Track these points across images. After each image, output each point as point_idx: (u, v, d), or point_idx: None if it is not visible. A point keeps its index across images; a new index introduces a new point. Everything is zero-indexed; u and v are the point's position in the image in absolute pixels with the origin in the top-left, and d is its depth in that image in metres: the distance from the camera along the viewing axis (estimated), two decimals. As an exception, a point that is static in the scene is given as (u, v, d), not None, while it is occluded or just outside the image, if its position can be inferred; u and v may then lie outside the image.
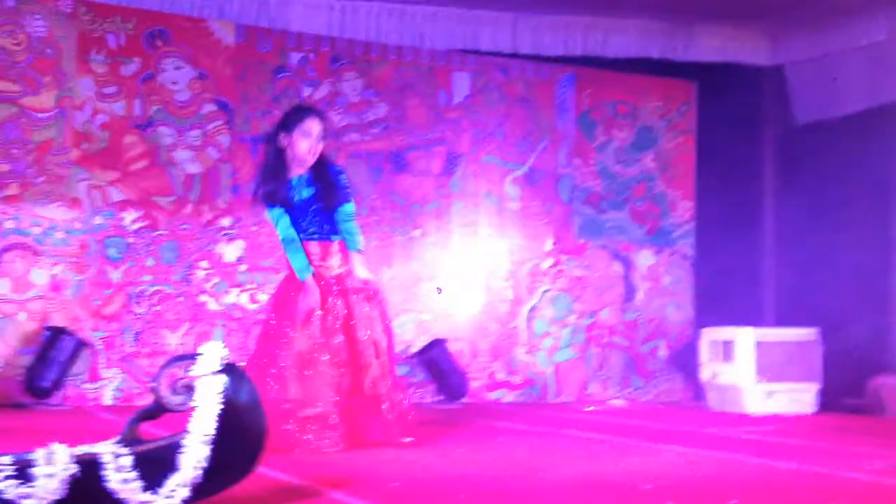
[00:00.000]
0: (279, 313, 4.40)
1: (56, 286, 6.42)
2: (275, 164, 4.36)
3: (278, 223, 4.39)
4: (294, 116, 4.41)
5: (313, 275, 4.37)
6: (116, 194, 6.60)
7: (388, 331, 4.51)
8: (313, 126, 4.36)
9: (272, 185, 4.35)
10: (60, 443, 2.47)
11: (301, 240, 4.39)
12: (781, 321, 7.82)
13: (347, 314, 4.37)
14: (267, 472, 3.16)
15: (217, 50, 6.92)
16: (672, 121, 8.29)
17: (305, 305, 4.29)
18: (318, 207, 4.41)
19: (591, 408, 7.09)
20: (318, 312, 4.31)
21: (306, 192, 4.41)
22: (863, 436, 5.33)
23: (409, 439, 4.38)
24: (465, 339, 7.48)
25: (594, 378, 7.86)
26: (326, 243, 4.44)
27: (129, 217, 6.61)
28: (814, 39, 8.12)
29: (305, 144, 4.35)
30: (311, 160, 4.38)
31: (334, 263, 4.44)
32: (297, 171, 4.42)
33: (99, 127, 6.58)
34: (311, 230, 4.42)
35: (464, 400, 7.13)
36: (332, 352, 4.29)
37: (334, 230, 4.45)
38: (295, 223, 4.39)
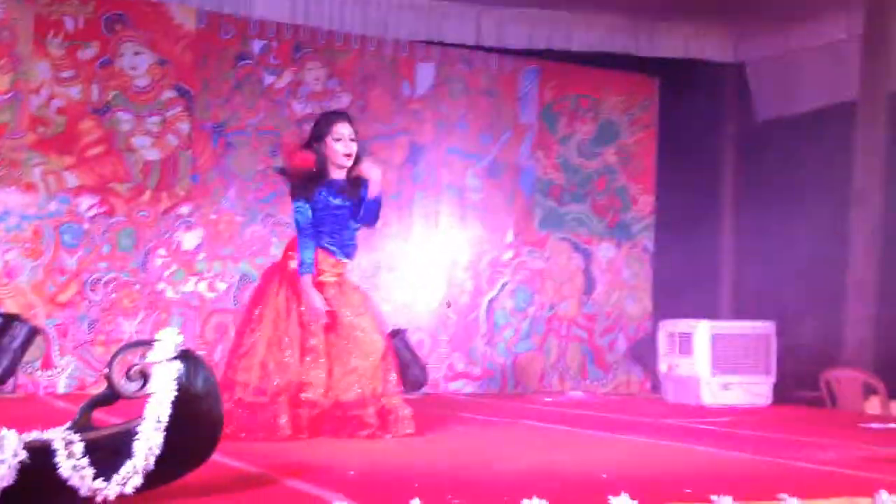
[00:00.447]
0: (259, 304, 4.40)
1: (9, 272, 6.32)
2: (317, 169, 4.43)
3: (300, 213, 4.40)
4: (325, 123, 4.48)
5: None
6: (72, 180, 6.51)
7: (382, 334, 4.54)
8: (343, 129, 4.43)
9: (305, 182, 4.41)
10: (11, 430, 2.43)
11: (313, 243, 4.41)
12: (738, 314, 7.91)
13: (332, 319, 4.38)
14: (222, 459, 3.14)
15: (178, 35, 6.84)
16: (634, 115, 8.34)
17: (314, 313, 4.33)
18: (342, 221, 4.45)
19: (550, 399, 7.12)
20: (325, 320, 4.34)
21: (337, 200, 4.43)
22: (815, 427, 5.41)
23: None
24: (424, 329, 7.48)
25: (553, 370, 7.89)
26: (337, 261, 4.49)
27: (86, 203, 6.52)
28: (775, 38, 8.21)
29: (341, 147, 4.41)
30: (347, 163, 4.43)
31: (330, 278, 4.48)
32: (335, 175, 4.46)
33: (55, 111, 6.49)
34: (327, 239, 4.46)
35: (423, 391, 7.12)
36: (305, 350, 4.31)
37: (348, 251, 4.51)
38: (316, 223, 4.42)
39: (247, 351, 4.30)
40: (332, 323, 4.38)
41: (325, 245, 4.45)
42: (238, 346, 4.37)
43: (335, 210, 4.43)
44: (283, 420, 4.18)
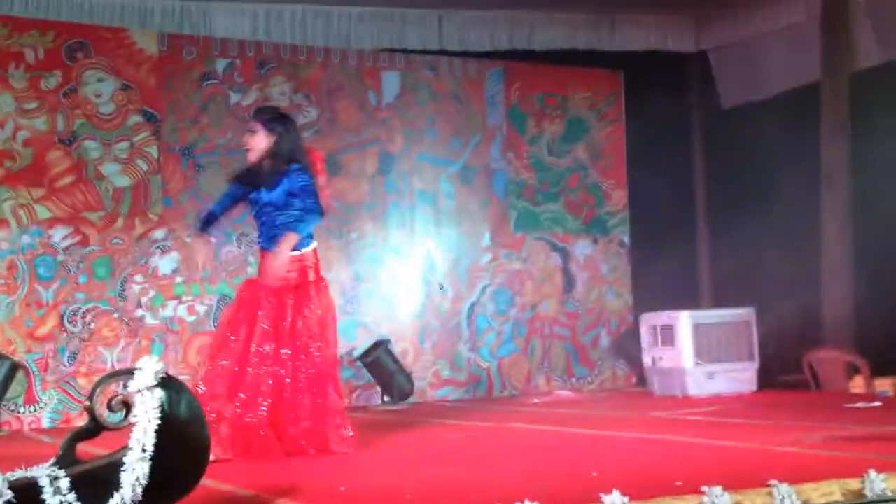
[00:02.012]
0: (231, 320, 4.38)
1: (-14, 309, 6.26)
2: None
3: None
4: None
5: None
6: (44, 211, 6.45)
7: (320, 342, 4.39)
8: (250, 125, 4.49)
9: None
10: (-5, 469, 2.40)
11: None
12: (718, 303, 7.95)
13: (277, 321, 4.31)
14: (211, 483, 3.12)
15: (140, 60, 6.81)
16: (601, 111, 8.37)
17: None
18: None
19: (537, 400, 7.13)
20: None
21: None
22: (800, 410, 5.45)
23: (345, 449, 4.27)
24: (407, 338, 7.47)
25: (538, 370, 7.90)
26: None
27: (59, 234, 6.47)
28: (735, 24, 8.27)
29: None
30: (250, 157, 4.43)
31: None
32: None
33: (21, 143, 6.43)
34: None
35: (410, 400, 7.12)
36: (260, 357, 4.24)
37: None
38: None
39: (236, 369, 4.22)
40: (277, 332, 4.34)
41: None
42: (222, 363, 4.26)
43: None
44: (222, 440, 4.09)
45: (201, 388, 4.12)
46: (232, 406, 4.14)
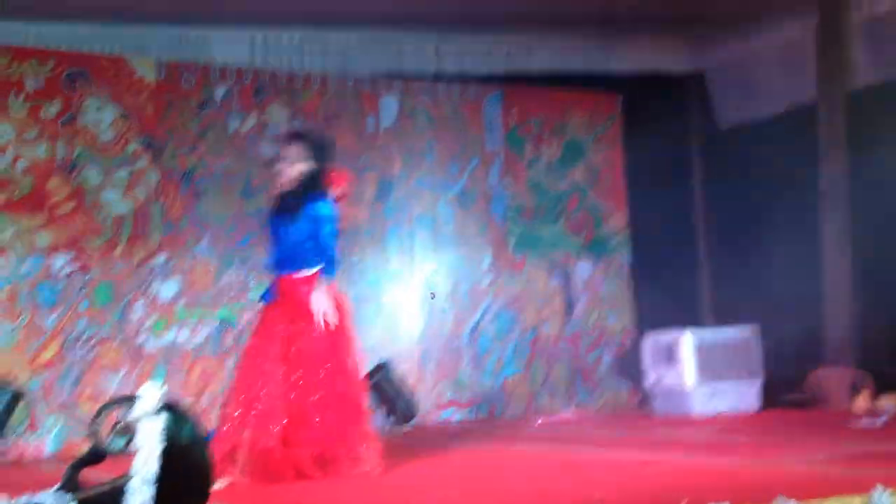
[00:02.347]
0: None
1: (-13, 337, 6.25)
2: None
3: None
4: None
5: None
6: (44, 239, 6.45)
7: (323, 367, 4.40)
8: (286, 151, 4.51)
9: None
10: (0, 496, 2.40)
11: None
12: (720, 321, 7.95)
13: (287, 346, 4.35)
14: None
15: (139, 87, 6.83)
16: (599, 133, 8.39)
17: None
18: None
19: (540, 421, 7.11)
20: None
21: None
22: (805, 428, 5.43)
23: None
24: (409, 361, 7.46)
25: (541, 391, 7.88)
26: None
27: (60, 261, 6.47)
28: (731, 44, 8.31)
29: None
30: (285, 183, 4.48)
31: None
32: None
33: (21, 172, 6.44)
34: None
35: (414, 422, 7.09)
36: (272, 381, 4.29)
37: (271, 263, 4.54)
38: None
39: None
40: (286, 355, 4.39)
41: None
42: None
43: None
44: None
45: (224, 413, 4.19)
46: (246, 429, 4.15)
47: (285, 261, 4.43)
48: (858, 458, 3.88)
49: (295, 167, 4.43)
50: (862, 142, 7.14)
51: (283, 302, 4.42)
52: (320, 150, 4.48)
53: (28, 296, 6.35)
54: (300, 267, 4.41)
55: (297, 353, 4.30)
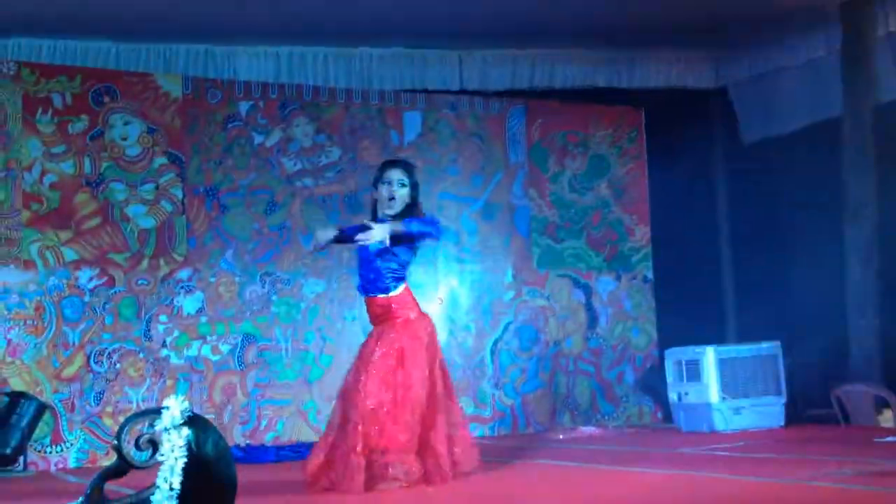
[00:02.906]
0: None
1: (13, 350, 6.32)
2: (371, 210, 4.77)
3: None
4: (379, 168, 4.76)
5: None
6: (71, 253, 6.53)
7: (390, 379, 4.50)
8: (391, 174, 4.64)
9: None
10: (24, 508, 2.42)
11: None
12: (743, 337, 7.90)
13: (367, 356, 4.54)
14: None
15: (165, 103, 6.90)
16: (623, 148, 8.39)
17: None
18: (362, 257, 4.63)
19: (562, 437, 7.08)
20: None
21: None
22: (829, 445, 5.38)
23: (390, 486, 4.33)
24: (431, 376, 7.44)
25: (563, 407, 7.86)
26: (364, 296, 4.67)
27: (85, 276, 6.54)
28: (755, 60, 8.29)
29: (384, 190, 4.63)
30: (391, 205, 4.61)
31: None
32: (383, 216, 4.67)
33: (49, 187, 6.52)
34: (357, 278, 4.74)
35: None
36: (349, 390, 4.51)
37: (361, 286, 4.66)
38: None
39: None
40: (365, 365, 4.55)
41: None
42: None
43: (360, 248, 4.61)
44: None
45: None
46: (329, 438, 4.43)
47: (373, 282, 4.59)
48: (885, 476, 3.84)
49: (402, 190, 4.62)
50: (887, 156, 7.09)
51: (373, 321, 4.62)
52: (415, 176, 4.72)
53: (54, 310, 6.42)
54: (387, 289, 4.57)
55: (369, 360, 4.44)
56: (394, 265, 4.56)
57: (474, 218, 7.81)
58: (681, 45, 8.23)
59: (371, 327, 4.68)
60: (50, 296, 6.43)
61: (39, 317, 6.39)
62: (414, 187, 4.66)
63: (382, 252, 4.52)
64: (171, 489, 2.55)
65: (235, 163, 7.06)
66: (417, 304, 4.65)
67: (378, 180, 4.65)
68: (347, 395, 4.47)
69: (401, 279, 4.59)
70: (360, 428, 4.27)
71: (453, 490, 4.25)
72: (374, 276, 4.57)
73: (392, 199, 4.59)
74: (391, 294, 4.55)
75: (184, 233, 6.84)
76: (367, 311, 4.68)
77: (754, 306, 8.05)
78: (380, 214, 4.66)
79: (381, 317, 4.59)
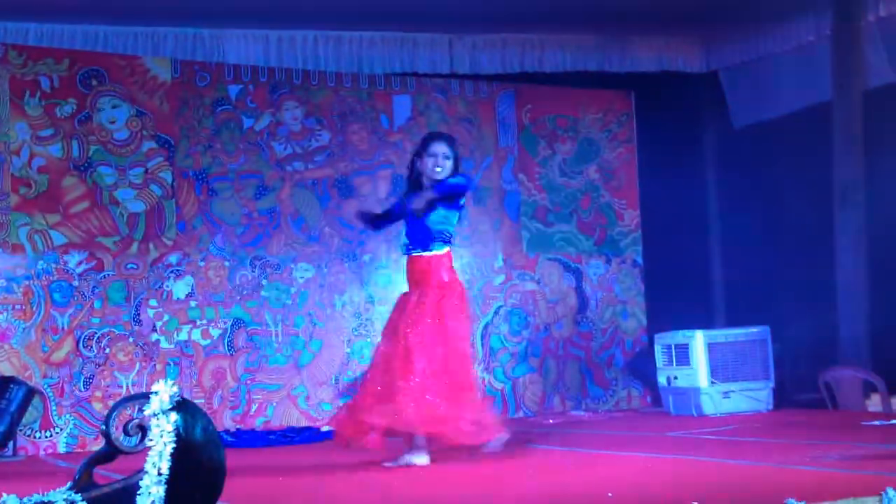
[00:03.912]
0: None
1: (1, 335, 6.30)
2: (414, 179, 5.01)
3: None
4: (423, 141, 5.02)
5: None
6: (59, 237, 6.50)
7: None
8: (437, 148, 4.89)
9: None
10: (11, 494, 2.42)
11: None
12: (732, 321, 7.93)
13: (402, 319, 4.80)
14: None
15: (154, 87, 6.86)
16: (612, 132, 8.38)
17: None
18: (409, 220, 4.91)
19: (552, 420, 7.11)
20: None
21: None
22: (817, 429, 5.41)
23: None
24: (421, 360, 7.45)
25: (553, 391, 7.88)
26: (406, 255, 4.93)
27: (74, 260, 6.51)
28: (745, 44, 8.29)
29: (431, 162, 4.88)
30: (438, 176, 4.85)
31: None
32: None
33: (37, 171, 6.49)
34: (403, 239, 4.97)
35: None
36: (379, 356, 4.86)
37: (405, 246, 4.91)
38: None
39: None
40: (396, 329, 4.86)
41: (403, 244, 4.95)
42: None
43: (409, 210, 4.87)
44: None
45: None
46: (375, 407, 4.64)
47: (419, 241, 4.84)
48: (871, 459, 3.87)
49: (447, 162, 4.86)
50: (877, 141, 7.11)
51: (411, 280, 4.87)
52: (457, 150, 4.97)
53: (42, 294, 6.40)
54: (430, 247, 4.82)
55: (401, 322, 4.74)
56: (439, 226, 4.82)
57: (464, 202, 7.78)
58: (671, 30, 8.22)
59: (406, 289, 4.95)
60: (38, 280, 6.41)
61: (28, 301, 6.37)
62: (456, 160, 4.90)
63: (429, 212, 4.79)
64: (160, 474, 2.54)
65: (225, 146, 7.03)
66: (454, 271, 4.89)
67: (424, 152, 4.90)
68: (389, 361, 4.70)
69: (446, 241, 4.85)
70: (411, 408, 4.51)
71: (442, 472, 4.26)
72: (422, 235, 4.83)
73: (439, 169, 4.83)
74: (434, 252, 4.80)
75: (173, 217, 6.82)
76: (407, 271, 4.91)
77: (743, 291, 8.09)
78: (426, 182, 4.87)
79: (420, 277, 4.81)
